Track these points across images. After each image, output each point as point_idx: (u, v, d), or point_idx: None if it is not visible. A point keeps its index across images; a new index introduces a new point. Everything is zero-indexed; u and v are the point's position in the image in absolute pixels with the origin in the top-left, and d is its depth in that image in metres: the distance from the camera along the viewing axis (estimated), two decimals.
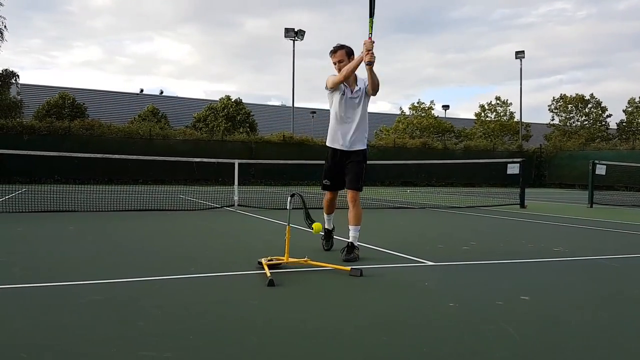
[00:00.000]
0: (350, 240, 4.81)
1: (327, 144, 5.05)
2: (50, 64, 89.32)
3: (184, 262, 4.54)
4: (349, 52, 4.82)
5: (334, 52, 4.84)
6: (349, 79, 4.83)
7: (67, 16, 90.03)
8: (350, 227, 4.85)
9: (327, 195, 5.17)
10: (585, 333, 2.80)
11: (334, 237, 5.32)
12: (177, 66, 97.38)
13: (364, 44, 4.55)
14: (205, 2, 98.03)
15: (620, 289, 3.92)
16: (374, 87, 4.77)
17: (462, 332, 2.73)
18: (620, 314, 3.20)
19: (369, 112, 5.08)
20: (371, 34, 4.58)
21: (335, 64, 4.82)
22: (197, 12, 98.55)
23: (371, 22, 4.61)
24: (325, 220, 5.26)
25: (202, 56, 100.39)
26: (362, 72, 4.83)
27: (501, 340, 2.60)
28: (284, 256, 4.29)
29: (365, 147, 5.00)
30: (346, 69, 4.70)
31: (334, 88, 4.82)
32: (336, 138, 4.93)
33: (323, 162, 5.17)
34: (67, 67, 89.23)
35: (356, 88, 4.85)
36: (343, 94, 4.82)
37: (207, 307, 3.13)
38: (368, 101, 4.96)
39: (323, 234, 5.29)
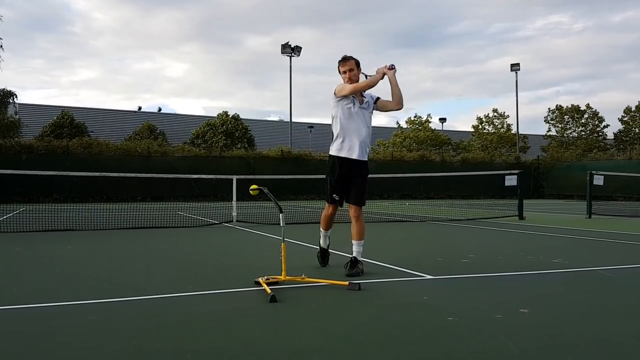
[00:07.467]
0: (354, 255, 4.80)
1: (334, 153, 4.93)
2: (52, 84, 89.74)
3: (182, 280, 4.53)
4: (358, 63, 4.92)
5: (343, 60, 4.91)
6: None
7: (70, 36, 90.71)
8: (354, 242, 4.84)
9: (329, 209, 5.04)
10: (585, 345, 2.79)
11: (332, 251, 5.30)
12: (178, 84, 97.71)
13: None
14: (207, 21, 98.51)
15: (619, 300, 3.91)
16: (398, 98, 4.91)
17: (461, 346, 2.72)
18: (620, 325, 3.19)
19: None
20: None
21: (344, 72, 4.87)
22: (199, 31, 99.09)
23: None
24: (322, 237, 5.19)
25: (203, 73, 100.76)
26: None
27: (501, 354, 2.59)
28: (281, 274, 4.28)
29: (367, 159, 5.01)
30: (361, 83, 4.83)
31: (345, 96, 4.83)
32: (345, 147, 4.86)
33: (321, 176, 5.10)
34: (69, 87, 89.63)
35: (365, 100, 4.92)
36: (353, 104, 4.85)
37: (205, 325, 3.12)
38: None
39: (319, 254, 5.23)
